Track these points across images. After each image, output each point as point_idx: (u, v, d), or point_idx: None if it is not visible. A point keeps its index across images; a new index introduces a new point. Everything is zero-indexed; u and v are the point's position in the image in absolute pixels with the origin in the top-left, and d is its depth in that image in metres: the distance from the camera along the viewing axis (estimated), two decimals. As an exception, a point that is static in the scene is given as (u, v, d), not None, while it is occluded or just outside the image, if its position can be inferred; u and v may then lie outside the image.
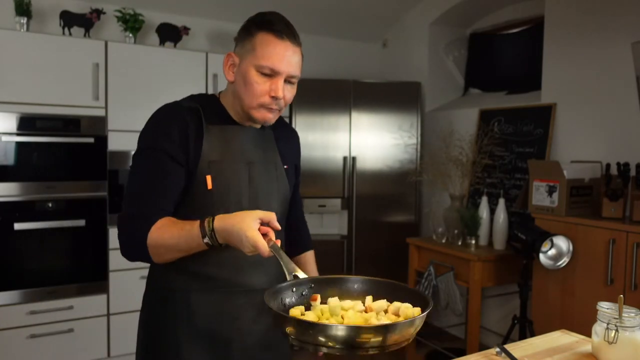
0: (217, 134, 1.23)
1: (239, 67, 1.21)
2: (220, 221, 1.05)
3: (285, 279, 1.02)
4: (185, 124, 1.20)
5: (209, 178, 1.19)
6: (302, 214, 1.57)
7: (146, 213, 1.13)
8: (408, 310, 0.94)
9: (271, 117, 1.24)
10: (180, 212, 1.20)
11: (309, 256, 1.53)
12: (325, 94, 3.49)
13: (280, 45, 1.18)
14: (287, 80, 1.21)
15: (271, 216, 1.06)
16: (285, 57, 1.18)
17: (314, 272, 1.48)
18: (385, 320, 0.92)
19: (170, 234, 1.10)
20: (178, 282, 1.25)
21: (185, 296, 1.24)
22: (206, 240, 1.06)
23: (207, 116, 1.24)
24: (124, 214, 1.16)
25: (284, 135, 1.39)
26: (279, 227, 1.07)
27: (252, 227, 1.02)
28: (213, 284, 1.24)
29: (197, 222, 1.07)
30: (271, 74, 1.18)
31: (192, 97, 1.29)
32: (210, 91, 3.24)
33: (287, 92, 1.22)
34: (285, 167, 1.35)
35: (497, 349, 1.19)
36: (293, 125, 3.45)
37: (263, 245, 1.00)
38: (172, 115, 1.22)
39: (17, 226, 2.75)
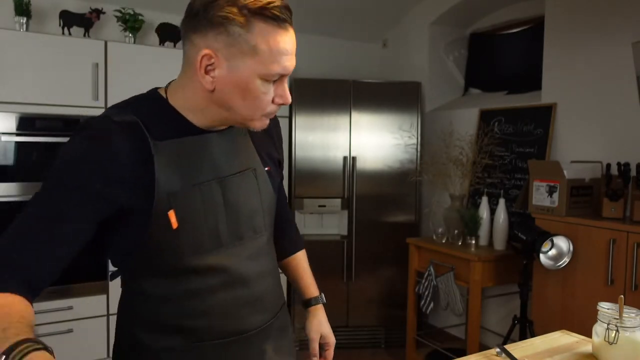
0: (172, 152, 0.92)
1: (225, 72, 0.88)
2: None
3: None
4: (122, 151, 0.87)
5: (171, 215, 0.90)
6: (288, 212, 1.31)
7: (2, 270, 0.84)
8: None
9: (268, 122, 0.99)
10: (144, 255, 0.94)
11: (301, 257, 1.31)
12: (325, 94, 3.49)
13: (285, 37, 0.87)
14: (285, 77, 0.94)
15: None
16: (292, 53, 0.90)
17: (307, 274, 1.30)
18: None
19: None
20: (149, 339, 0.99)
21: (164, 357, 0.99)
22: None
23: (153, 130, 0.90)
24: None
25: (261, 133, 1.06)
26: None
27: None
28: (201, 337, 0.99)
29: (13, 340, 0.74)
30: (274, 81, 0.91)
31: (126, 104, 0.95)
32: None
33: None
34: (266, 168, 1.07)
35: (498, 349, 1.19)
36: (293, 125, 3.44)
37: None
38: (97, 144, 0.87)
39: (17, 226, 2.75)
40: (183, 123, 0.94)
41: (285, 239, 1.27)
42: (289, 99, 0.93)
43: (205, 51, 0.87)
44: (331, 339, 1.27)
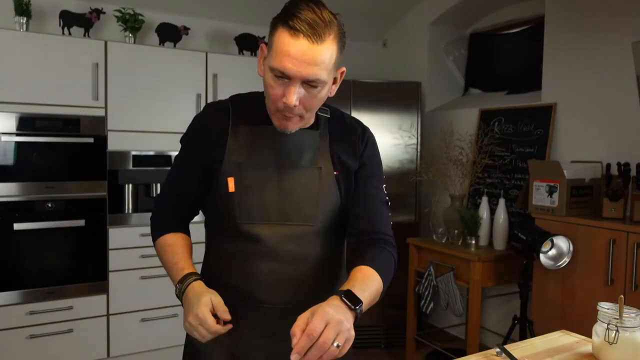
0: (246, 134, 1.16)
1: (264, 62, 1.09)
2: (191, 291, 1.07)
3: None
4: (211, 124, 1.18)
5: (230, 180, 1.14)
6: (370, 230, 1.18)
7: (160, 217, 1.25)
8: None
9: (289, 125, 1.10)
10: (208, 209, 1.23)
11: (364, 269, 1.08)
12: (325, 94, 3.48)
13: (293, 44, 0.99)
14: (308, 84, 1.03)
15: (220, 308, 1.04)
16: (297, 59, 1.00)
17: (358, 280, 1.04)
18: None
19: (164, 258, 1.18)
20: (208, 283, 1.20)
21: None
22: (176, 292, 1.11)
23: (238, 115, 1.17)
24: (153, 208, 1.28)
25: (342, 137, 1.22)
26: (227, 317, 1.04)
27: (202, 307, 1.02)
28: (231, 295, 1.15)
29: (181, 273, 1.12)
30: (284, 77, 1.02)
31: (236, 96, 1.23)
32: (210, 91, 3.24)
33: (307, 99, 1.05)
34: (335, 173, 1.18)
35: (498, 349, 1.19)
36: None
37: (211, 324, 1.01)
38: (200, 116, 1.22)
39: (17, 226, 2.75)
40: (264, 115, 1.15)
41: (358, 256, 1.12)
42: (291, 100, 1.03)
43: (262, 44, 1.13)
44: (314, 331, 0.85)
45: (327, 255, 1.21)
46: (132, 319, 3.04)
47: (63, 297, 2.87)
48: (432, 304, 3.04)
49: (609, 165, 2.56)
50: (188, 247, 1.21)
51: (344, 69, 1.12)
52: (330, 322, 0.87)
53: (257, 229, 1.14)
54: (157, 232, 1.23)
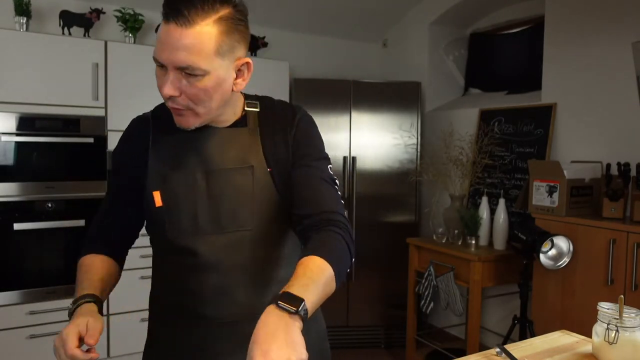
0: (169, 144, 1.09)
1: None
2: (78, 312, 0.96)
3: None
4: (132, 139, 1.13)
5: (156, 194, 1.07)
6: (312, 189, 1.07)
7: (88, 236, 1.18)
8: None
9: (182, 121, 1.02)
10: (148, 229, 1.16)
11: (308, 260, 0.93)
12: (325, 94, 3.49)
13: (163, 30, 0.95)
14: (185, 72, 0.95)
15: (91, 332, 0.92)
16: (166, 44, 0.94)
17: (299, 275, 0.89)
18: None
19: (76, 278, 1.09)
20: (150, 305, 1.21)
21: (149, 323, 1.21)
22: (68, 312, 1.00)
23: (160, 125, 1.10)
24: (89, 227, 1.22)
25: (274, 128, 1.12)
26: (91, 342, 0.91)
27: (70, 328, 0.91)
28: (175, 313, 1.12)
29: (79, 293, 1.01)
30: (162, 66, 0.97)
31: (160, 105, 1.14)
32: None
33: (188, 89, 0.97)
34: (268, 169, 1.09)
35: (498, 349, 1.19)
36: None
37: (70, 346, 0.88)
38: (124, 133, 1.17)
39: (17, 226, 2.75)
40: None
41: (304, 245, 1.03)
42: (163, 87, 0.97)
43: None
44: None
45: (273, 259, 1.13)
46: (131, 319, 3.04)
47: (63, 297, 2.86)
48: (432, 304, 3.04)
49: (609, 165, 2.56)
50: (102, 270, 1.10)
51: (248, 60, 1.03)
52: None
53: (191, 242, 1.07)
54: (80, 252, 1.16)
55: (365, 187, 3.54)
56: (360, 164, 3.53)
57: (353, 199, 3.52)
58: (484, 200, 3.03)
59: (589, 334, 1.23)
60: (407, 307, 3.31)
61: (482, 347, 2.97)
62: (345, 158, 3.51)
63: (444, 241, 3.06)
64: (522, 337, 2.55)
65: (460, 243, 3.03)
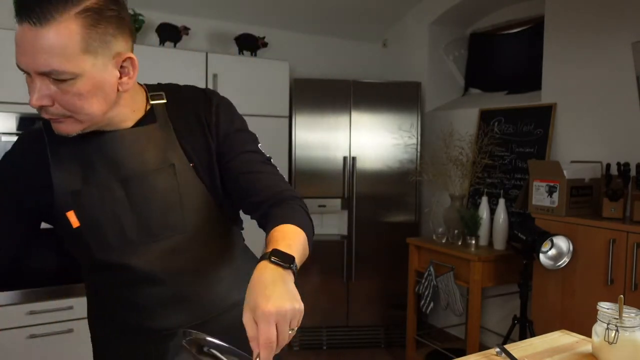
0: (70, 154, 0.95)
1: None
2: None
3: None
4: (23, 159, 0.97)
5: (71, 215, 0.95)
6: (260, 175, 1.02)
7: None
8: None
9: (61, 127, 0.88)
10: (71, 249, 1.05)
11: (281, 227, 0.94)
12: (325, 94, 3.49)
13: (18, 33, 0.82)
14: (52, 77, 0.83)
15: None
16: (22, 48, 0.82)
17: (280, 237, 0.89)
18: None
19: None
20: (91, 327, 1.12)
21: (93, 344, 1.13)
22: None
23: (56, 135, 0.92)
24: None
25: (187, 118, 1.02)
26: None
27: None
28: (119, 330, 1.06)
29: None
30: (28, 75, 0.85)
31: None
32: (210, 91, 3.23)
33: (59, 96, 0.84)
34: (191, 164, 1.00)
35: (497, 349, 1.19)
36: (293, 125, 3.44)
37: None
38: (9, 153, 0.99)
39: (17, 226, 2.75)
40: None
41: (268, 223, 0.96)
42: (31, 97, 0.84)
43: None
44: (269, 340, 0.73)
45: (217, 258, 1.07)
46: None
47: (63, 297, 2.86)
48: (432, 304, 3.04)
49: (608, 165, 2.56)
50: None
51: (130, 55, 0.91)
52: (279, 321, 0.73)
53: (123, 257, 0.98)
54: None
55: (365, 187, 3.54)
56: (360, 164, 3.53)
57: (353, 199, 3.52)
58: (484, 200, 3.03)
59: (588, 334, 1.23)
60: (407, 307, 3.31)
61: (482, 347, 2.97)
62: (345, 158, 3.51)
63: (444, 241, 3.07)
64: (522, 337, 2.55)
65: (460, 243, 3.03)
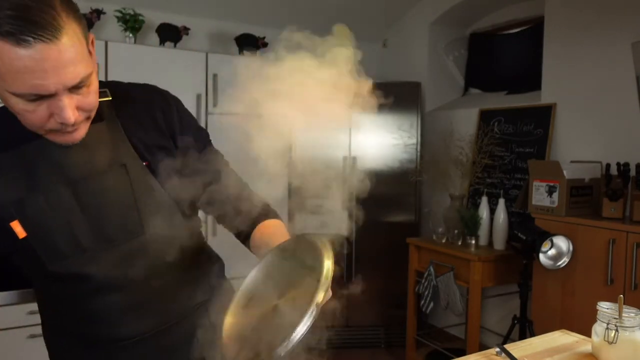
0: (11, 161, 0.89)
1: None
2: None
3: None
4: None
5: (15, 225, 0.88)
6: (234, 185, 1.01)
7: None
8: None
9: (76, 136, 0.86)
10: (20, 261, 0.98)
11: (267, 224, 1.05)
12: (325, 94, 3.48)
13: (27, 57, 0.73)
14: (80, 86, 0.81)
15: None
16: (43, 71, 0.75)
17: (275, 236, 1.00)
18: None
19: None
20: (46, 340, 1.06)
21: (51, 357, 1.07)
22: None
23: None
24: None
25: (137, 115, 0.97)
26: None
27: None
28: (78, 341, 1.00)
29: None
30: (43, 97, 0.78)
31: None
32: (210, 92, 3.23)
33: (82, 101, 0.82)
34: (144, 163, 0.95)
35: (497, 349, 1.19)
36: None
37: None
38: None
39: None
40: (29, 131, 0.86)
41: (239, 219, 0.98)
42: (67, 118, 0.80)
43: None
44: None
45: (178, 260, 1.00)
46: None
47: (63, 297, 2.87)
48: (432, 304, 3.04)
49: (608, 165, 2.56)
50: None
51: (92, 36, 0.86)
52: None
53: (78, 266, 0.92)
54: None
55: (365, 187, 3.54)
56: (360, 164, 3.53)
57: (353, 199, 3.51)
58: (484, 200, 3.03)
59: (588, 334, 1.23)
60: (407, 307, 3.31)
61: (482, 347, 2.97)
62: (345, 158, 3.51)
63: (443, 241, 3.07)
64: (522, 336, 2.55)
65: (460, 243, 3.03)
